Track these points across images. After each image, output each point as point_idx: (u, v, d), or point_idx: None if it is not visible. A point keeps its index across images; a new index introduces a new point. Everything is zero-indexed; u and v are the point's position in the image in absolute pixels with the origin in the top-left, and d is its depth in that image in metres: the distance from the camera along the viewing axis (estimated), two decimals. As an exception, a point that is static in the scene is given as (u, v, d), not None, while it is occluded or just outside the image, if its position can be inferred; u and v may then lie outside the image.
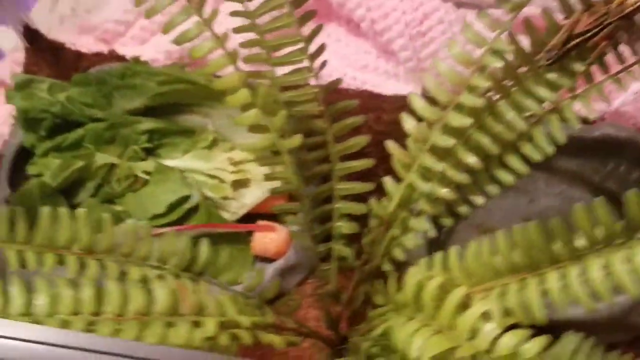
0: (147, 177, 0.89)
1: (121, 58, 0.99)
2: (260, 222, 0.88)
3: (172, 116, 0.93)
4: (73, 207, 0.88)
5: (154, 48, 1.01)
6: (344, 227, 0.73)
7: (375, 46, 1.00)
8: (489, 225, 0.84)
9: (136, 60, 0.94)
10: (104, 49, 1.02)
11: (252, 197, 0.88)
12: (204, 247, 0.71)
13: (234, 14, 0.70)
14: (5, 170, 0.90)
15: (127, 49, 1.02)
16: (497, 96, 0.65)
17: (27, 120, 0.88)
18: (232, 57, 0.67)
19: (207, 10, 0.67)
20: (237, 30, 0.70)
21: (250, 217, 0.88)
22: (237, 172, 0.88)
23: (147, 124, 0.91)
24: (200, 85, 0.90)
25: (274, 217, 0.86)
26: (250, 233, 0.87)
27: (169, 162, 0.89)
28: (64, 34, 1.02)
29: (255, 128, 0.70)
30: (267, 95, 0.67)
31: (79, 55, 0.98)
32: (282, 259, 0.86)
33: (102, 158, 0.89)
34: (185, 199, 0.87)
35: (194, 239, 0.71)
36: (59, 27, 1.06)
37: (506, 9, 0.62)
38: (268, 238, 0.87)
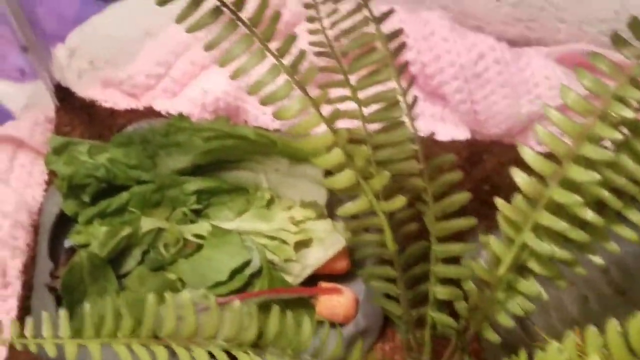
0: (198, 240, 0.84)
1: (157, 113, 0.95)
2: (325, 284, 0.83)
3: (220, 173, 0.88)
4: (119, 277, 0.83)
5: (187, 101, 0.97)
6: (440, 292, 0.68)
7: (422, 90, 0.97)
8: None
9: (180, 116, 0.89)
10: (132, 104, 0.98)
11: (315, 258, 0.83)
12: (275, 317, 0.65)
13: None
14: (45, 242, 0.85)
15: (157, 103, 0.98)
16: (615, 147, 0.61)
17: (70, 187, 0.83)
18: (330, 117, 0.62)
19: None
20: (327, 85, 0.65)
21: (313, 278, 0.84)
22: (300, 232, 0.83)
23: (196, 183, 0.86)
24: (249, 140, 0.86)
25: (337, 277, 0.83)
26: (314, 296, 0.83)
27: (225, 225, 0.84)
28: (85, 90, 0.98)
29: (348, 189, 0.65)
30: (364, 156, 0.62)
31: (111, 112, 0.94)
32: (351, 324, 0.82)
33: (149, 223, 0.84)
34: (247, 263, 0.82)
35: (261, 308, 0.66)
36: (78, 82, 1.01)
37: (628, 55, 0.59)
38: (335, 301, 0.82)
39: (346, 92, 0.67)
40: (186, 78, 0.98)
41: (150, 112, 0.94)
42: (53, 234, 0.85)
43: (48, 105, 0.95)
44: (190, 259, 0.83)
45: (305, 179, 0.86)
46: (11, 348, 0.78)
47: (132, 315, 0.61)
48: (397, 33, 0.69)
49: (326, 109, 0.63)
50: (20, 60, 0.95)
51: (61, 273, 0.81)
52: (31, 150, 0.93)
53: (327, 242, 0.83)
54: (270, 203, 0.86)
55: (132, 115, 0.93)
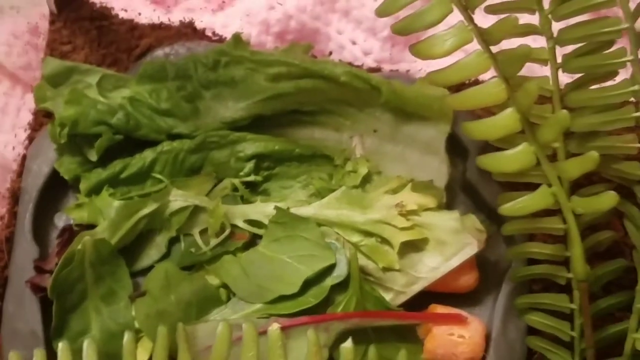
0: (254, 229, 0.67)
1: (200, 33, 0.78)
2: (440, 309, 0.65)
3: (290, 130, 0.71)
4: (135, 275, 0.67)
5: (243, 16, 0.79)
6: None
7: None
8: None
9: (236, 39, 0.69)
10: (163, 15, 0.81)
11: (430, 268, 0.64)
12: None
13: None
14: (29, 216, 0.69)
15: (198, 16, 0.80)
16: None
17: (72, 137, 0.69)
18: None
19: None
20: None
21: (423, 297, 0.66)
22: (410, 229, 0.63)
23: (255, 143, 0.70)
24: (338, 83, 0.66)
25: (458, 298, 0.66)
26: (423, 325, 0.66)
27: (297, 209, 0.66)
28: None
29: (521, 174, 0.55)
30: (557, 123, 0.49)
31: (133, 27, 0.78)
32: None
33: (181, 197, 0.68)
34: (329, 270, 0.64)
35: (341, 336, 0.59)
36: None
37: None
38: (455, 335, 0.64)
39: (532, 19, 0.54)
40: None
41: (189, 30, 0.79)
42: (40, 206, 0.72)
43: (36, 9, 0.81)
44: (240, 257, 0.66)
45: (418, 147, 0.67)
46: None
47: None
48: None
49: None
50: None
51: (51, 265, 0.68)
52: (5, 76, 0.79)
53: (450, 246, 0.64)
54: (366, 180, 0.68)
55: (163, 33, 0.79)
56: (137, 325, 0.61)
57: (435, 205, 0.65)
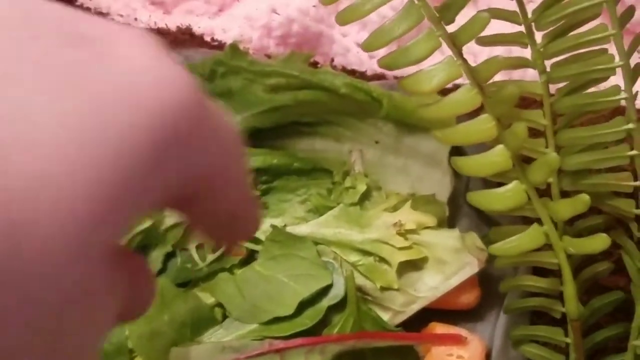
0: (250, 246, 0.63)
1: (198, 39, 0.75)
2: (440, 328, 0.63)
3: (289, 142, 0.68)
4: None
5: (242, 21, 0.76)
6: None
7: None
8: None
9: (233, 48, 0.65)
10: (159, 18, 0.77)
11: (429, 287, 0.62)
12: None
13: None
14: None
15: (196, 20, 0.77)
16: None
17: None
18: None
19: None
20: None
21: (422, 314, 0.63)
22: (408, 248, 0.61)
23: (255, 157, 0.65)
24: (337, 94, 0.63)
25: (458, 315, 0.63)
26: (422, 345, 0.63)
27: (294, 227, 0.63)
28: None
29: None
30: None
31: None
32: None
33: (175, 214, 0.61)
34: (325, 290, 0.61)
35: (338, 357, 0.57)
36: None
37: None
38: (455, 356, 0.62)
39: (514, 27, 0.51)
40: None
41: (187, 36, 0.75)
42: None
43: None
44: (236, 275, 0.63)
45: (420, 159, 0.66)
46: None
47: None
48: None
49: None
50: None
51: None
52: None
53: (450, 265, 0.62)
54: (365, 196, 0.64)
55: (160, 39, 0.68)
56: (130, 345, 0.59)
57: (435, 223, 0.62)
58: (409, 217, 0.62)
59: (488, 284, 0.64)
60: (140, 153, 0.23)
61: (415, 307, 0.62)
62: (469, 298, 0.63)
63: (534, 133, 0.50)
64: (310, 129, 0.67)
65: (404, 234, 0.61)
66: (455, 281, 0.62)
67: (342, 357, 0.58)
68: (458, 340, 0.61)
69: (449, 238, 0.62)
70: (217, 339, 0.59)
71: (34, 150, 0.21)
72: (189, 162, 0.25)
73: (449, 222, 0.64)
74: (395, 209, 0.63)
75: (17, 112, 0.21)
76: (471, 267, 0.61)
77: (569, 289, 0.51)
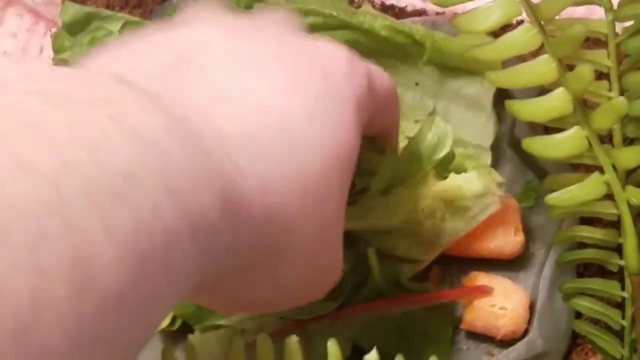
0: None
1: None
2: (481, 277, 0.61)
3: None
4: None
5: None
6: None
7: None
8: None
9: None
10: None
11: (449, 233, 0.60)
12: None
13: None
14: None
15: None
16: None
17: None
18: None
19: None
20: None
21: (466, 263, 0.63)
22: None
23: None
24: (377, 36, 0.62)
25: (503, 263, 0.62)
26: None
27: None
28: None
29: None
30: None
31: None
32: (519, 345, 0.60)
33: None
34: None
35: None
36: None
37: None
38: (497, 307, 0.60)
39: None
40: None
41: None
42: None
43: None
44: None
45: (462, 103, 0.64)
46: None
47: None
48: None
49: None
50: None
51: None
52: (27, 12, 0.75)
53: (471, 210, 0.60)
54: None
55: None
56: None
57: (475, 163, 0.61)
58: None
59: (533, 232, 0.63)
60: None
61: (433, 255, 0.61)
62: (513, 247, 0.62)
63: (596, 75, 0.49)
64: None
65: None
66: (475, 224, 0.60)
67: (371, 325, 0.58)
68: (483, 292, 0.60)
69: (471, 182, 0.60)
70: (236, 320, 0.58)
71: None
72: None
73: (492, 168, 0.62)
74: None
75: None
76: (493, 207, 0.60)
77: (630, 241, 0.49)
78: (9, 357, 0.19)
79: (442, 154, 0.58)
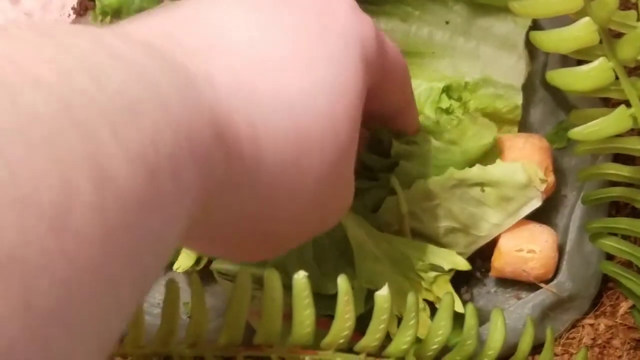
0: None
1: None
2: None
3: None
4: None
5: None
6: None
7: None
8: None
9: None
10: None
11: (492, 225, 0.59)
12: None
13: None
14: None
15: None
16: None
17: None
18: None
19: None
20: None
21: None
22: None
23: None
24: None
25: None
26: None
27: None
28: None
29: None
30: None
31: None
32: (550, 286, 0.60)
33: None
34: None
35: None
36: None
37: None
38: (525, 250, 0.59)
39: None
40: None
41: None
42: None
43: None
44: None
45: (493, 42, 0.63)
46: None
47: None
48: None
49: None
50: None
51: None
52: None
53: (514, 202, 0.59)
54: None
55: None
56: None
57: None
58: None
59: (564, 173, 0.62)
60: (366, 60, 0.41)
61: (476, 246, 0.60)
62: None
63: (624, 5, 0.47)
64: (375, 8, 0.64)
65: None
66: (518, 217, 0.59)
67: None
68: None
69: (514, 173, 0.58)
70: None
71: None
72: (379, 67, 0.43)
73: (524, 108, 0.62)
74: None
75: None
76: (536, 201, 0.59)
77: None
78: (49, 242, 0.20)
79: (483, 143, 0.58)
